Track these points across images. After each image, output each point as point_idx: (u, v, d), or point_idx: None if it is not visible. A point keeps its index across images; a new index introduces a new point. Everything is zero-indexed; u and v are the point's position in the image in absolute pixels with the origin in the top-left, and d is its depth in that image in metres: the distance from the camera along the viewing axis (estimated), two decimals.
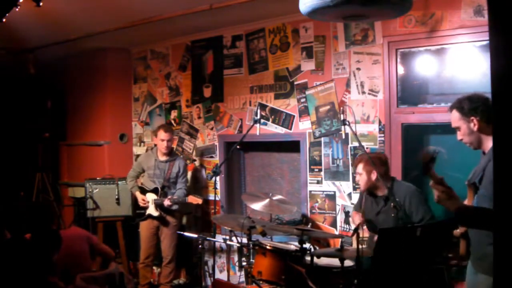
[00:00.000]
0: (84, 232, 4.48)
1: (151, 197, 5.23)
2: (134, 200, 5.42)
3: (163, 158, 5.31)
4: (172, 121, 6.12)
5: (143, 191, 5.29)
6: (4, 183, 6.58)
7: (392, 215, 3.47)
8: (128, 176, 5.48)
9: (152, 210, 5.21)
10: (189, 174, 5.89)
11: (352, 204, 4.56)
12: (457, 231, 2.83)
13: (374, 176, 3.79)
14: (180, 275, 5.79)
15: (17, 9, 2.95)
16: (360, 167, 3.86)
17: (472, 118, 2.71)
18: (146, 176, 5.39)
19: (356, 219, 3.90)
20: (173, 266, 5.34)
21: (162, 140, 5.21)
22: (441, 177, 2.46)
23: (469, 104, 2.73)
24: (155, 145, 5.45)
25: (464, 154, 3.00)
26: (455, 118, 2.80)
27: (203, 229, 5.65)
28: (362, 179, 3.87)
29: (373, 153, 4.09)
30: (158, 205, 5.17)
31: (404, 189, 3.77)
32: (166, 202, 5.08)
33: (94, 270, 4.38)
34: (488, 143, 2.71)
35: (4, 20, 3.06)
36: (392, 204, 3.47)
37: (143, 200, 5.22)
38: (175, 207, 5.20)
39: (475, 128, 2.71)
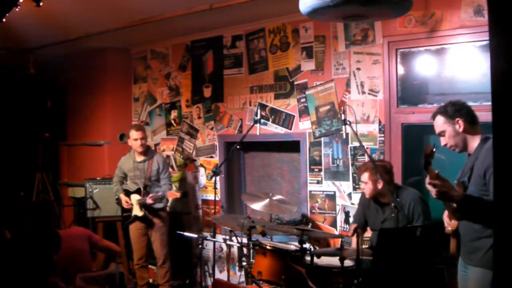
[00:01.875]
0: (85, 230, 4.45)
1: (135, 198, 5.20)
2: (120, 203, 5.38)
3: (140, 158, 5.28)
4: (172, 121, 6.12)
5: (128, 193, 5.28)
6: (4, 183, 6.58)
7: (393, 215, 3.47)
8: (113, 182, 5.47)
9: (137, 211, 5.18)
10: (189, 174, 5.90)
11: (352, 204, 4.56)
12: (448, 229, 2.87)
13: (380, 185, 3.77)
14: (179, 275, 5.79)
15: (17, 9, 2.95)
16: (366, 177, 3.84)
17: (458, 119, 2.84)
18: (128, 179, 5.37)
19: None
20: (168, 266, 5.32)
21: (135, 140, 5.18)
22: (436, 171, 2.60)
23: (453, 107, 2.87)
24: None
25: (457, 155, 3.04)
26: (439, 123, 2.92)
27: (203, 229, 5.65)
28: (367, 188, 3.85)
29: (378, 161, 4.03)
30: (142, 205, 5.15)
31: (409, 196, 3.75)
32: (148, 201, 5.05)
33: (94, 270, 4.37)
34: (473, 143, 2.84)
35: (4, 20, 3.06)
36: (392, 204, 3.47)
37: (127, 202, 5.20)
38: (159, 205, 5.17)
39: (461, 129, 2.84)
